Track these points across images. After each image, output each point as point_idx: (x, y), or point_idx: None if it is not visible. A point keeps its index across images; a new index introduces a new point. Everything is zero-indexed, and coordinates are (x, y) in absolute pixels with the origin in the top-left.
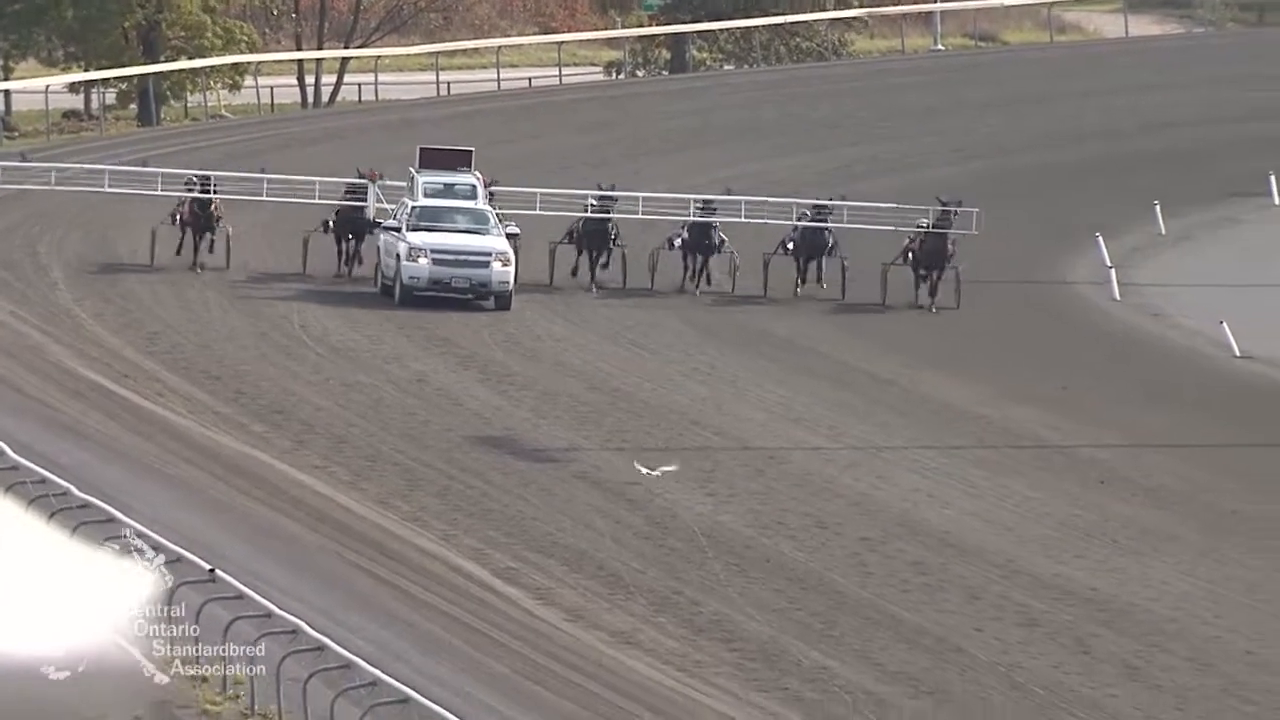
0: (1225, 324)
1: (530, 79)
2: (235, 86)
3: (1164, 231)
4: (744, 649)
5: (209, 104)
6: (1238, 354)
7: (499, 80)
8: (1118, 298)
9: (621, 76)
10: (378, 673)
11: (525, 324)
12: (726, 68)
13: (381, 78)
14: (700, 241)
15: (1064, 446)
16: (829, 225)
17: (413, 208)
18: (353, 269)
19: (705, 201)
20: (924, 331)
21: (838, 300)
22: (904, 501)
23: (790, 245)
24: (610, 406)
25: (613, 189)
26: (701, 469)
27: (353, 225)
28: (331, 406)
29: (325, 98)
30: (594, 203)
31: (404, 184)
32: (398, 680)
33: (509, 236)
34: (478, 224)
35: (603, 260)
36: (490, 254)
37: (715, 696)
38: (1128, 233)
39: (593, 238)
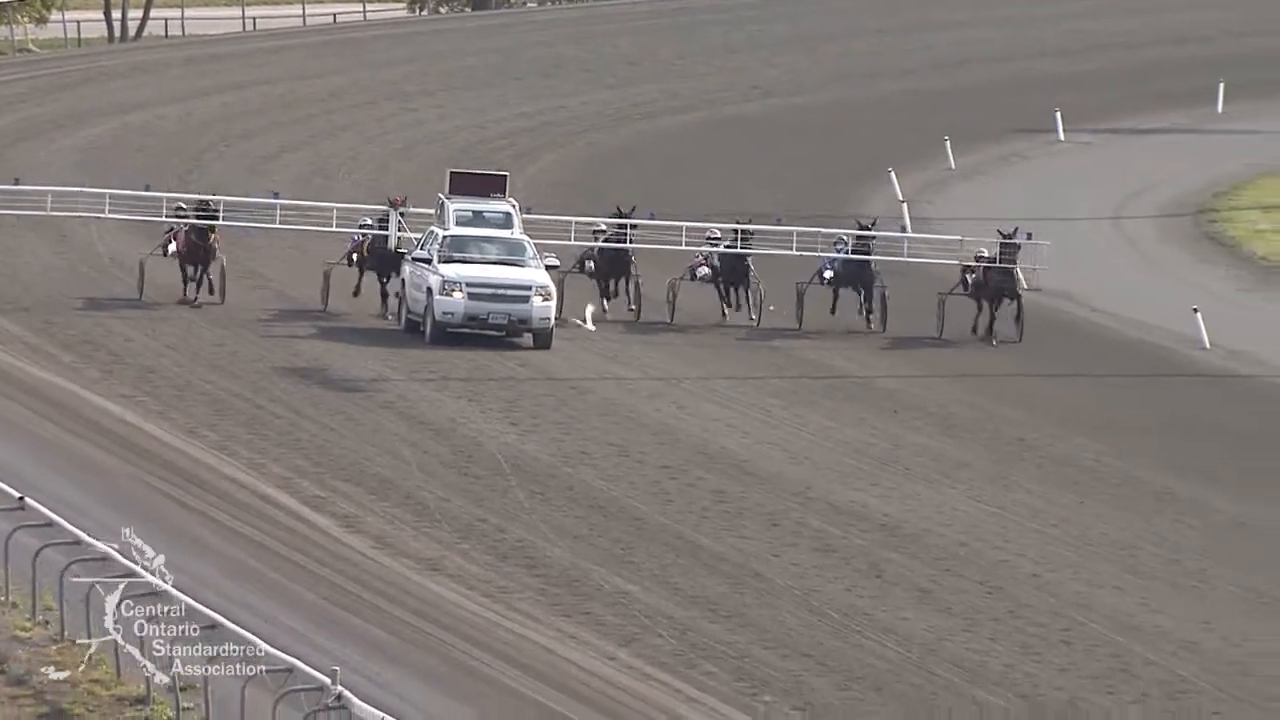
0: None
1: (335, 15)
2: (41, 20)
3: (954, 166)
4: (547, 574)
5: (15, 38)
6: (1024, 286)
7: (304, 16)
8: (910, 231)
9: (424, 13)
10: (188, 600)
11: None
12: (529, 4)
13: (188, 12)
14: (735, 271)
15: (859, 377)
16: (872, 256)
17: (443, 237)
18: (392, 306)
19: (743, 231)
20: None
21: (879, 333)
22: (704, 431)
23: (827, 275)
24: (416, 337)
25: (632, 212)
26: (505, 399)
27: (393, 258)
28: (140, 337)
29: (132, 32)
30: (603, 227)
31: (431, 211)
32: (207, 607)
33: (548, 269)
34: (514, 255)
35: (619, 288)
36: (530, 288)
37: (519, 621)
38: (920, 168)
39: (613, 265)
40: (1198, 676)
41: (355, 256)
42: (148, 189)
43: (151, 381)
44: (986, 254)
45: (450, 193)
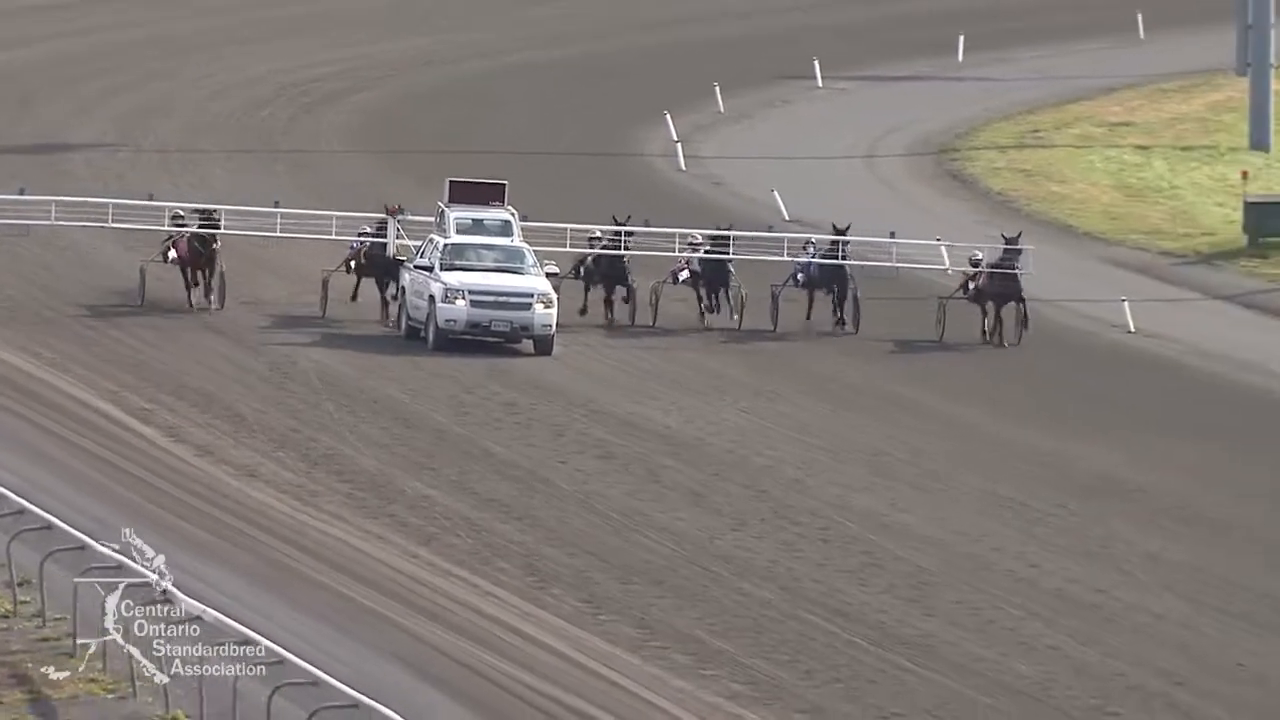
0: (776, 192)
1: None
2: None
3: (723, 110)
4: (355, 480)
5: None
6: (787, 217)
7: None
8: (684, 169)
9: None
10: (23, 502)
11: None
12: None
13: None
14: (717, 276)
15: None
16: (848, 261)
17: (444, 245)
18: (393, 312)
19: (724, 237)
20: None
21: (851, 335)
22: (496, 351)
23: (801, 277)
24: (237, 260)
25: (628, 221)
26: (316, 320)
27: (390, 265)
28: None
29: None
30: (598, 235)
31: (432, 219)
32: (40, 509)
33: (547, 276)
34: (514, 262)
35: (623, 295)
36: (532, 295)
37: (329, 522)
38: (692, 111)
39: (610, 272)
40: (939, 569)
41: (353, 263)
42: (150, 198)
43: None
44: (982, 257)
45: (450, 201)
